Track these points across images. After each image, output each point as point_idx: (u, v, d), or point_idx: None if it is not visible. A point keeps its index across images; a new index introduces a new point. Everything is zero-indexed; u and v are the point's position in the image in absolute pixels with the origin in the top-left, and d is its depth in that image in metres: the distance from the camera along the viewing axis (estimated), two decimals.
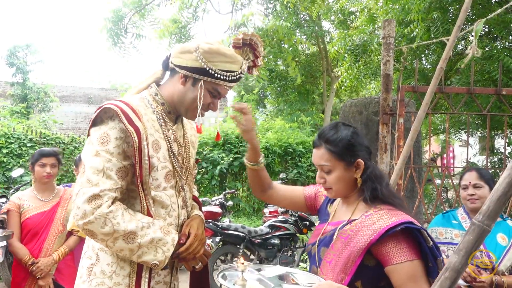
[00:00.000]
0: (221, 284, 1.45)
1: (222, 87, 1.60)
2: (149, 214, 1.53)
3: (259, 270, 1.52)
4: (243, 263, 1.36)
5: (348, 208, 1.55)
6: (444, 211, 2.73)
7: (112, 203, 1.44)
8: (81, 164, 3.33)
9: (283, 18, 11.62)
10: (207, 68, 1.53)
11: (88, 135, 1.55)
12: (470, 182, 2.48)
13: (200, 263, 1.67)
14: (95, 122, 1.53)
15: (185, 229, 1.63)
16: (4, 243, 4.82)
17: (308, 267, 1.68)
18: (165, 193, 1.58)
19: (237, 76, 1.60)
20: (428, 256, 1.36)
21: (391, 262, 1.35)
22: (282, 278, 1.47)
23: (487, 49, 5.24)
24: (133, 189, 1.54)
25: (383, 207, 1.45)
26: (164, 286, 1.64)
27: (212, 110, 1.67)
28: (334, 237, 1.48)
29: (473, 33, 2.44)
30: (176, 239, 1.55)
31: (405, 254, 1.35)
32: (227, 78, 1.57)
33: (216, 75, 1.55)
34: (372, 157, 1.60)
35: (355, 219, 1.47)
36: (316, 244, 1.56)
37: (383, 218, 1.39)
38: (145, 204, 1.52)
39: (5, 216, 3.34)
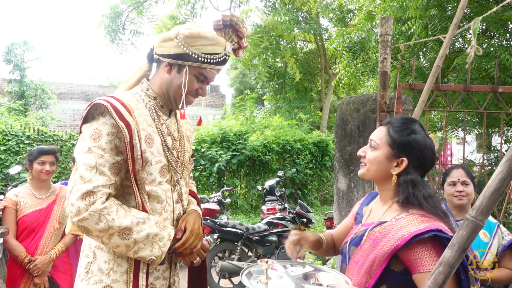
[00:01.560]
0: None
1: (208, 70, 1.59)
2: (144, 210, 1.52)
3: (286, 267, 1.51)
4: (267, 262, 1.35)
5: (383, 209, 1.51)
6: None
7: (107, 199, 1.43)
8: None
9: (281, 15, 11.61)
10: (190, 53, 1.53)
11: (80, 132, 1.54)
12: (459, 179, 2.55)
13: (198, 258, 1.67)
14: (87, 119, 1.53)
15: (181, 224, 1.62)
16: (1, 239, 4.83)
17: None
18: (161, 188, 1.57)
19: (222, 58, 1.59)
20: (458, 267, 1.23)
21: (418, 269, 1.30)
22: (307, 276, 1.45)
23: (484, 46, 5.24)
24: (127, 185, 1.53)
25: (415, 212, 1.39)
26: (164, 282, 1.63)
27: (201, 95, 1.66)
28: (364, 237, 1.45)
29: (470, 31, 2.45)
30: (172, 234, 1.54)
31: (433, 262, 1.28)
32: (211, 61, 1.56)
33: (200, 58, 1.54)
34: None
35: (386, 221, 1.42)
36: (348, 243, 1.54)
37: (412, 224, 1.34)
38: (139, 200, 1.51)
39: (0, 213, 3.33)
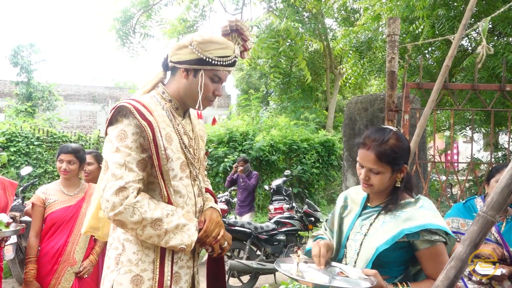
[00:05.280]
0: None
1: (222, 72, 1.71)
2: (169, 202, 1.63)
3: (305, 262, 1.59)
4: (299, 256, 1.43)
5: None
6: (464, 201, 2.76)
7: (138, 193, 1.54)
8: (86, 164, 3.30)
9: (286, 15, 11.63)
10: (204, 57, 1.64)
11: (106, 134, 1.65)
12: None
13: (226, 243, 1.76)
14: (111, 122, 1.64)
15: (200, 217, 1.74)
16: (15, 239, 4.89)
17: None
18: (182, 183, 1.68)
19: (232, 60, 1.71)
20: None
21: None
22: (330, 270, 1.53)
23: (491, 45, 5.25)
24: (151, 181, 1.65)
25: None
26: (188, 271, 1.74)
27: (217, 95, 1.77)
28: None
29: (477, 30, 2.48)
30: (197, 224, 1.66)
31: None
32: (224, 63, 1.68)
33: (213, 62, 1.66)
34: None
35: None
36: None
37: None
38: (165, 193, 1.62)
39: (16, 214, 3.38)
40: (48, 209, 2.94)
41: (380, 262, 1.54)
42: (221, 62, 1.67)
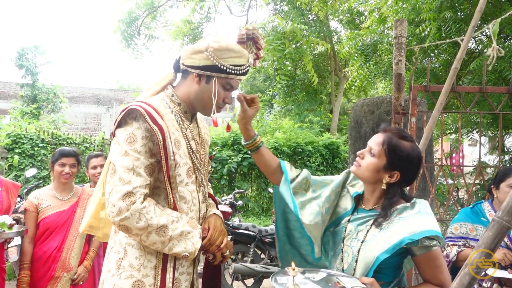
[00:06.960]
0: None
1: (234, 80, 1.69)
2: (175, 208, 1.61)
3: (303, 273, 1.56)
4: (294, 269, 1.40)
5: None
6: (471, 205, 2.73)
7: (144, 199, 1.51)
8: (90, 164, 3.28)
9: (291, 18, 11.62)
10: (219, 65, 1.62)
11: (114, 136, 1.61)
12: None
13: (228, 251, 1.75)
14: (120, 124, 1.60)
15: (204, 225, 1.72)
16: (19, 241, 4.88)
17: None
18: (187, 189, 1.66)
19: (246, 69, 1.69)
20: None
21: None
22: (327, 281, 1.50)
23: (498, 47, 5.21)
24: (157, 186, 1.62)
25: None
26: (188, 277, 1.71)
27: (227, 103, 1.75)
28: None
29: (486, 32, 2.46)
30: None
31: None
32: (238, 72, 1.66)
33: (228, 70, 1.63)
34: None
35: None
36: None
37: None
38: (171, 199, 1.60)
39: (20, 215, 3.37)
40: (41, 214, 2.90)
41: (377, 268, 1.52)
42: (235, 71, 1.65)
